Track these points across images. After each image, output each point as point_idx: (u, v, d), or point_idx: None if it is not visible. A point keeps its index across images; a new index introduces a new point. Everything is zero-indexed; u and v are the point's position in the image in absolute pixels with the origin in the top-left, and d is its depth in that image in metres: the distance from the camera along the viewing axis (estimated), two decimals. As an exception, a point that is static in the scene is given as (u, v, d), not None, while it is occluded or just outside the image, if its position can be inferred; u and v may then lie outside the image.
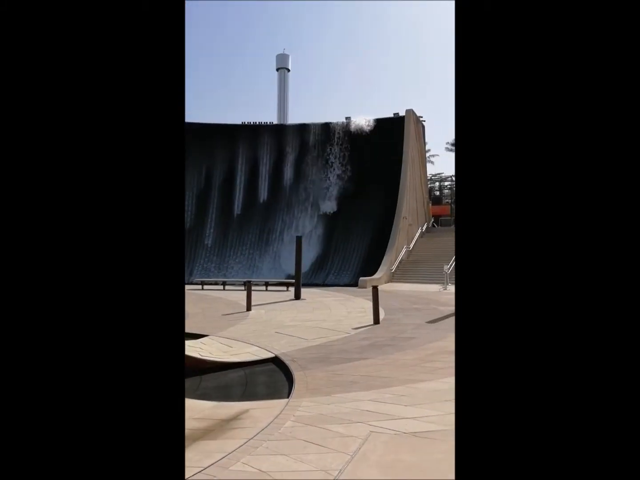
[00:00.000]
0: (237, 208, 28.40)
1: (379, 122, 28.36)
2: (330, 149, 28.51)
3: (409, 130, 27.28)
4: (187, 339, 8.18)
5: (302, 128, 29.54)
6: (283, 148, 29.35)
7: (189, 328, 10.14)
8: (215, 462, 3.55)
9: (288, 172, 29.03)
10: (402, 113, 28.06)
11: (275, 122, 37.64)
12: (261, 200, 28.64)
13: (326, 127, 29.01)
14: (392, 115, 28.80)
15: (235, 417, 4.66)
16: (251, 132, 29.81)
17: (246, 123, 30.42)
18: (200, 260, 26.55)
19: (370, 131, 28.10)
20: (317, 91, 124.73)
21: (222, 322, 11.12)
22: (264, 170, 29.33)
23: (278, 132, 30.22)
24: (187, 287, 21.73)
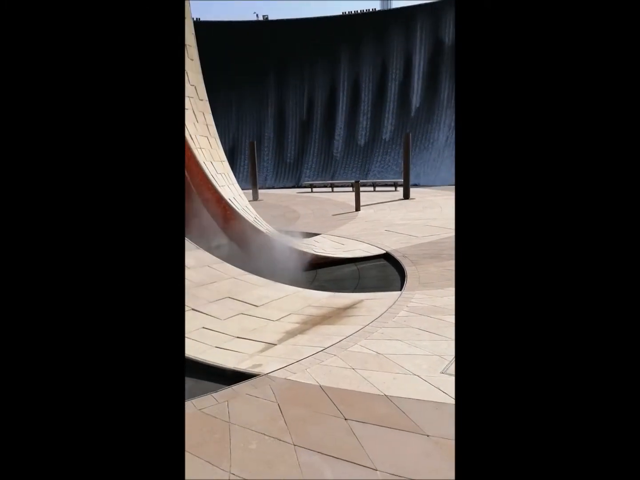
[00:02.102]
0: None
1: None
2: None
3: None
4: (301, 237, 8.63)
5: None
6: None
7: (301, 227, 10.68)
8: (335, 344, 3.85)
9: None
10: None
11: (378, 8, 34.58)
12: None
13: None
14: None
15: (351, 306, 4.93)
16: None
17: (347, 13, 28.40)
18: (308, 163, 27.02)
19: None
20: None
21: (333, 222, 11.46)
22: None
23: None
24: (295, 190, 22.53)
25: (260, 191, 18.40)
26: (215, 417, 2.84)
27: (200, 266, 5.27)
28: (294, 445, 2.50)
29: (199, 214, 7.40)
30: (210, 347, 3.96)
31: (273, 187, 25.76)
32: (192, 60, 7.10)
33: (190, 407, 3.00)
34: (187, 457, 2.44)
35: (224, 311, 4.65)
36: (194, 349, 3.91)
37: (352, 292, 5.78)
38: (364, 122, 27.02)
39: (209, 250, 5.87)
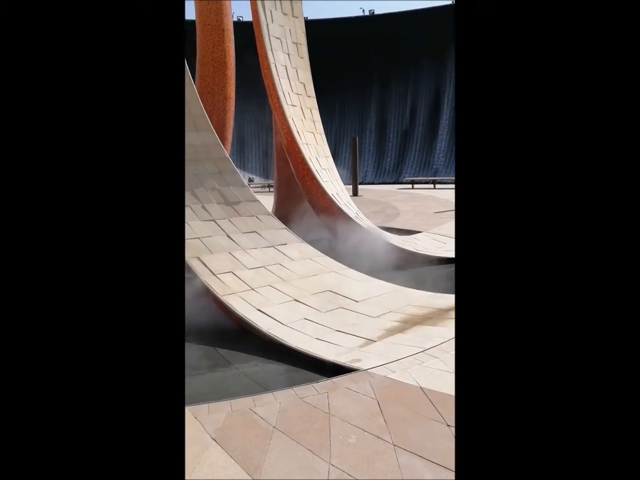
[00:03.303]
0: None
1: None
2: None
3: None
4: (400, 234, 8.49)
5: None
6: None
7: (401, 224, 10.50)
8: (437, 345, 3.73)
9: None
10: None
11: None
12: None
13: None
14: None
15: (452, 308, 4.74)
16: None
17: None
18: (409, 158, 26.51)
19: None
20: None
21: (434, 220, 11.12)
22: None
23: None
24: (395, 186, 22.22)
25: (359, 187, 18.46)
26: (316, 407, 2.90)
27: (303, 259, 5.42)
28: (394, 444, 2.48)
29: (302, 208, 7.63)
30: (311, 338, 4.06)
31: (372, 183, 25.70)
32: (301, 58, 7.30)
33: (292, 395, 3.10)
34: (289, 442, 2.53)
35: (325, 304, 4.73)
36: (295, 339, 4.04)
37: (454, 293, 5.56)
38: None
39: (311, 243, 6.02)
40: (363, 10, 35.27)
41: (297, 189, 7.86)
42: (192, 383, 3.57)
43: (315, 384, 3.24)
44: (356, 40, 30.07)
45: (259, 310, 4.48)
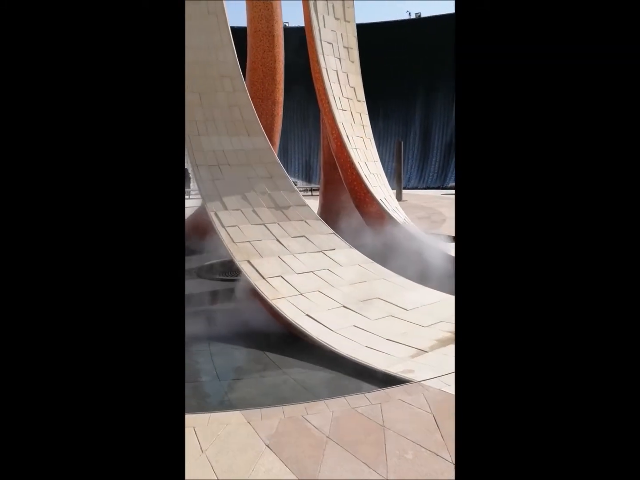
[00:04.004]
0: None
1: None
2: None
3: None
4: (447, 241, 8.26)
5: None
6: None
7: (448, 231, 10.24)
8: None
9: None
10: None
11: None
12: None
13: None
14: None
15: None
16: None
17: None
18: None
19: None
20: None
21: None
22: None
23: None
24: (440, 191, 21.76)
25: (403, 191, 18.23)
26: (370, 419, 2.84)
27: (351, 264, 5.37)
28: (454, 464, 2.38)
29: (350, 213, 7.58)
30: (361, 346, 4.00)
31: (416, 188, 25.35)
32: (352, 62, 7.28)
33: (344, 404, 3.05)
34: (344, 454, 2.48)
35: (374, 311, 4.66)
36: (345, 346, 3.98)
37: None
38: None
39: (357, 248, 5.96)
40: (409, 14, 34.92)
41: (343, 193, 7.82)
42: (243, 387, 3.59)
43: (367, 394, 3.17)
44: (401, 44, 29.79)
45: (307, 315, 4.47)
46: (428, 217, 12.84)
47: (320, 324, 4.35)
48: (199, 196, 5.90)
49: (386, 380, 3.44)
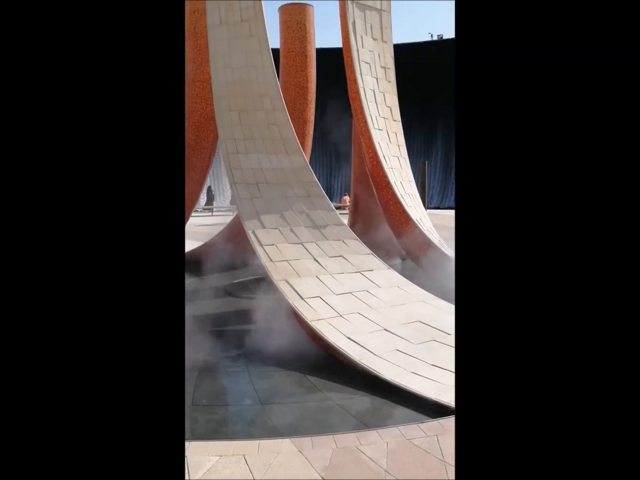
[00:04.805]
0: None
1: None
2: None
3: None
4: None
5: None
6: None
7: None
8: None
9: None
10: None
11: None
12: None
13: None
14: None
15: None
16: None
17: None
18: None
19: None
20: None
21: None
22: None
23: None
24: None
25: (427, 211, 18.08)
26: (428, 452, 2.70)
27: (390, 286, 5.26)
28: (527, 506, 2.22)
29: (379, 232, 7.49)
30: (406, 372, 3.87)
31: (438, 207, 25.20)
32: (389, 82, 7.27)
33: (398, 434, 2.92)
34: (406, 490, 2.35)
35: (416, 335, 4.52)
36: (389, 371, 3.85)
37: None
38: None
39: (392, 267, 5.85)
40: (431, 35, 35.24)
41: (375, 212, 7.74)
42: (288, 412, 3.48)
43: (421, 425, 3.04)
44: (424, 65, 29.97)
45: (349, 338, 4.35)
46: (453, 237, 12.64)
47: (362, 347, 4.23)
48: (222, 213, 5.89)
49: (437, 410, 3.30)
